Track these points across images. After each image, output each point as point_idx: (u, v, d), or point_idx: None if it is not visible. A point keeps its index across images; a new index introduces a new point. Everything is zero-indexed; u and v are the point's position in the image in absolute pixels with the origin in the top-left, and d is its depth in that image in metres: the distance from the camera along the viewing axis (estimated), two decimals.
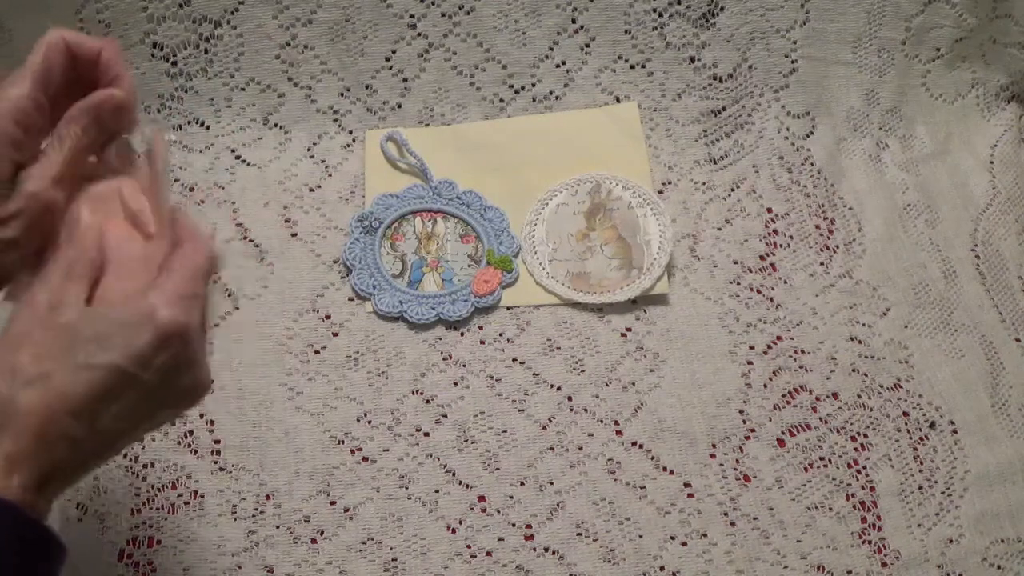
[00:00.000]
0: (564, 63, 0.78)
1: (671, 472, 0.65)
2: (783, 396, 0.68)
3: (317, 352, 0.69)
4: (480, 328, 0.70)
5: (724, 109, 0.79)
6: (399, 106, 0.78)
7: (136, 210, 0.43)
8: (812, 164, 0.79)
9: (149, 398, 0.40)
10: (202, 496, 0.62)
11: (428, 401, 0.67)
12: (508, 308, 0.71)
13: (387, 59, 0.77)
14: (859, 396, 0.69)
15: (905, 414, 0.68)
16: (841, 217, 0.77)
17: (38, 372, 0.37)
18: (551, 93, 0.78)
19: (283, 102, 0.77)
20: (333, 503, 0.63)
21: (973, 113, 0.82)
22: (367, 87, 0.77)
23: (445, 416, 0.67)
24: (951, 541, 0.64)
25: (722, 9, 0.77)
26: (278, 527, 0.62)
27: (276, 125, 0.77)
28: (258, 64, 0.75)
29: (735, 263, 0.74)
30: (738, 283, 0.73)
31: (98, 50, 0.43)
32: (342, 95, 0.77)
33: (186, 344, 0.39)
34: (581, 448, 0.66)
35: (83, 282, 0.39)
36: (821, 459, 0.66)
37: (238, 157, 0.76)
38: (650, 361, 0.69)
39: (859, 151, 0.80)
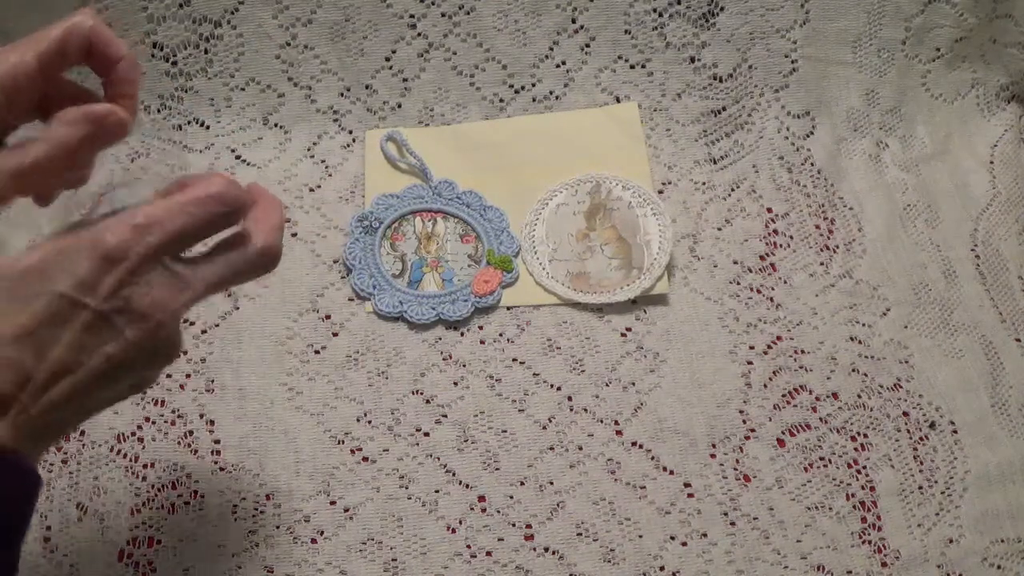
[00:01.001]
0: (564, 63, 0.78)
1: (671, 472, 0.65)
2: (783, 396, 0.68)
3: (317, 352, 0.69)
4: (480, 328, 0.70)
5: (724, 109, 0.79)
6: (399, 106, 0.78)
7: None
8: (812, 164, 0.79)
9: (102, 331, 0.39)
10: (202, 496, 0.62)
11: (428, 401, 0.67)
12: (508, 308, 0.71)
13: (387, 59, 0.77)
14: (859, 396, 0.69)
15: (905, 414, 0.68)
16: (841, 217, 0.77)
17: None
18: (551, 93, 0.78)
19: (283, 102, 0.77)
20: (333, 503, 0.63)
21: (973, 113, 0.82)
22: (367, 87, 0.77)
23: (445, 416, 0.67)
24: (951, 541, 0.64)
25: (722, 9, 0.77)
26: (278, 527, 0.62)
27: (276, 125, 0.77)
28: (258, 64, 0.75)
29: (735, 263, 0.74)
30: (738, 283, 0.73)
31: (118, 58, 0.42)
32: (342, 95, 0.77)
33: (135, 272, 0.38)
34: (581, 448, 0.66)
35: None
36: (821, 459, 0.66)
37: (238, 157, 0.76)
38: (650, 361, 0.69)
39: (859, 151, 0.80)
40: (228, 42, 0.75)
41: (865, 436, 0.67)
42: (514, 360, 0.69)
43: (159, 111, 0.75)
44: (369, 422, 0.66)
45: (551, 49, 0.78)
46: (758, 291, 0.73)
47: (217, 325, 0.69)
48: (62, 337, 0.38)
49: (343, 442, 0.65)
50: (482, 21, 0.76)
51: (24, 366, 0.38)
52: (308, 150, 0.77)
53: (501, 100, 0.78)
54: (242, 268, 0.43)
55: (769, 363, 0.69)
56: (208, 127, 0.76)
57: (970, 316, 0.73)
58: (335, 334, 0.70)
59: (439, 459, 0.65)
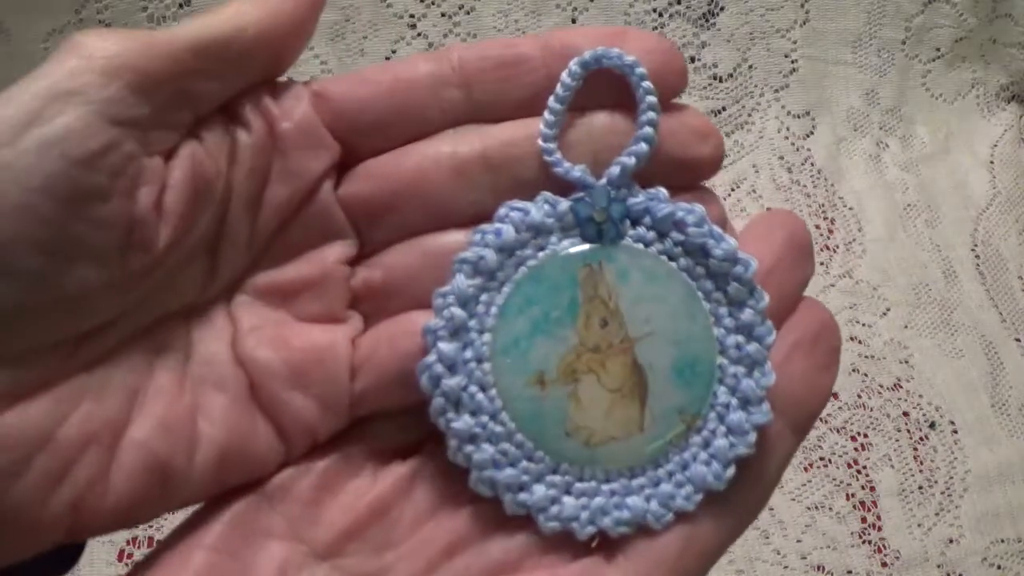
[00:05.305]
0: None
1: None
2: None
3: None
4: None
5: (724, 109, 0.79)
6: None
7: None
8: (812, 164, 0.79)
9: None
10: None
11: None
12: None
13: (387, 59, 0.77)
14: (859, 396, 0.69)
15: (905, 414, 0.68)
16: (841, 217, 0.77)
17: None
18: None
19: None
20: None
21: (973, 113, 0.82)
22: None
23: None
24: (951, 541, 0.64)
25: (722, 9, 0.77)
26: None
27: None
28: None
29: None
30: None
31: None
32: None
33: None
34: None
35: None
36: (821, 459, 0.66)
37: None
38: None
39: (859, 151, 0.80)
40: None
41: (865, 436, 0.67)
42: None
43: None
44: None
45: None
46: None
47: None
48: None
49: None
50: (482, 21, 0.76)
51: None
52: None
53: None
54: None
55: None
56: None
57: (970, 316, 0.73)
58: None
59: None
